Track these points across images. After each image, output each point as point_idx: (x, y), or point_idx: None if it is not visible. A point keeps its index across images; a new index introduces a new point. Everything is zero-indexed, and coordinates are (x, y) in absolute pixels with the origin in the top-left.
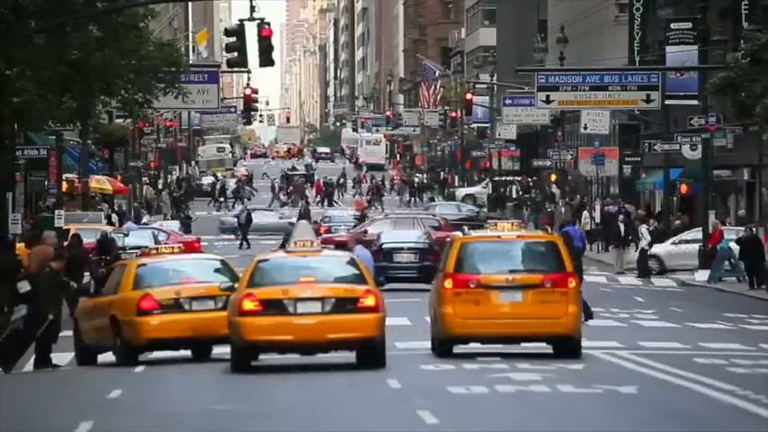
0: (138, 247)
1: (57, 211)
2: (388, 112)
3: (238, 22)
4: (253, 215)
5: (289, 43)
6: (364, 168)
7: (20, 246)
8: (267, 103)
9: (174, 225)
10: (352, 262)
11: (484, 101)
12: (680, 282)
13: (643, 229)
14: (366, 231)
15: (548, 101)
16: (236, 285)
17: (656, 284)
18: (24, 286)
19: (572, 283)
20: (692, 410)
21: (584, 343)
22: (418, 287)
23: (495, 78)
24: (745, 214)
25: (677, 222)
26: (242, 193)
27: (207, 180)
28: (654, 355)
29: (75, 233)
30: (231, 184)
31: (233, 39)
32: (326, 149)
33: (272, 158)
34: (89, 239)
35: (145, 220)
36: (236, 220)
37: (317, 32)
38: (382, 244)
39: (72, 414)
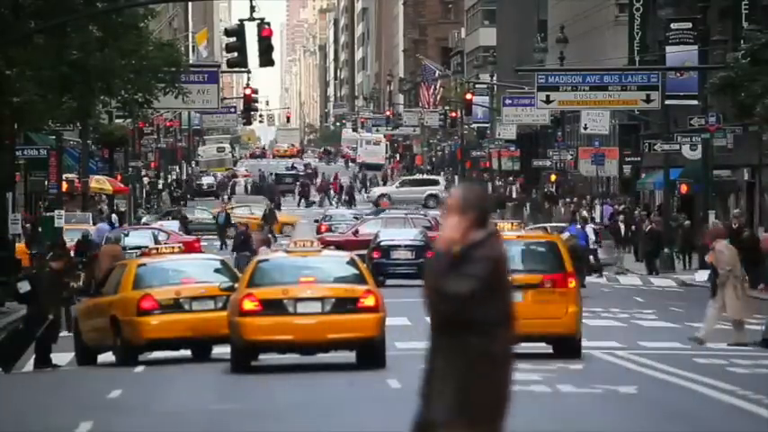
0: (139, 247)
1: (57, 211)
2: (388, 112)
3: (238, 22)
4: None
5: (289, 43)
6: (355, 168)
7: (20, 246)
8: (267, 103)
9: (174, 225)
10: (352, 262)
11: (484, 101)
12: (680, 282)
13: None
14: (357, 231)
15: (548, 101)
16: (236, 285)
17: (656, 284)
18: (24, 286)
19: (572, 283)
20: (692, 410)
21: (584, 343)
22: (417, 283)
23: (495, 78)
24: (739, 213)
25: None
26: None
27: (207, 180)
28: (654, 355)
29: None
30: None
31: (233, 39)
32: (329, 149)
33: (273, 157)
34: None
35: (144, 219)
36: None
37: (316, 32)
38: (380, 241)
39: (72, 414)
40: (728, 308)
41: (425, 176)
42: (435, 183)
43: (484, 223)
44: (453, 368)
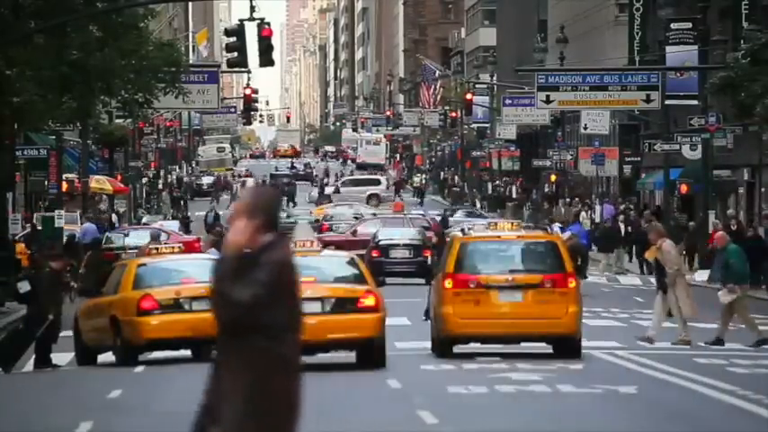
0: (138, 248)
1: (57, 211)
2: (388, 112)
3: (238, 22)
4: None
5: (289, 43)
6: (347, 168)
7: (20, 246)
8: (267, 104)
9: (174, 225)
10: (352, 262)
11: (484, 101)
12: None
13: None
14: (356, 231)
15: (548, 101)
16: None
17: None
18: (24, 286)
19: (572, 283)
20: (692, 410)
21: (584, 343)
22: (415, 282)
23: (495, 78)
24: (734, 214)
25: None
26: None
27: (207, 180)
28: (654, 355)
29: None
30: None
31: (233, 39)
32: (332, 148)
33: (273, 156)
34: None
35: (145, 219)
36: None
37: (316, 32)
38: (379, 240)
39: (72, 414)
40: (683, 307)
41: (367, 176)
42: (377, 182)
43: (273, 227)
44: (241, 373)
